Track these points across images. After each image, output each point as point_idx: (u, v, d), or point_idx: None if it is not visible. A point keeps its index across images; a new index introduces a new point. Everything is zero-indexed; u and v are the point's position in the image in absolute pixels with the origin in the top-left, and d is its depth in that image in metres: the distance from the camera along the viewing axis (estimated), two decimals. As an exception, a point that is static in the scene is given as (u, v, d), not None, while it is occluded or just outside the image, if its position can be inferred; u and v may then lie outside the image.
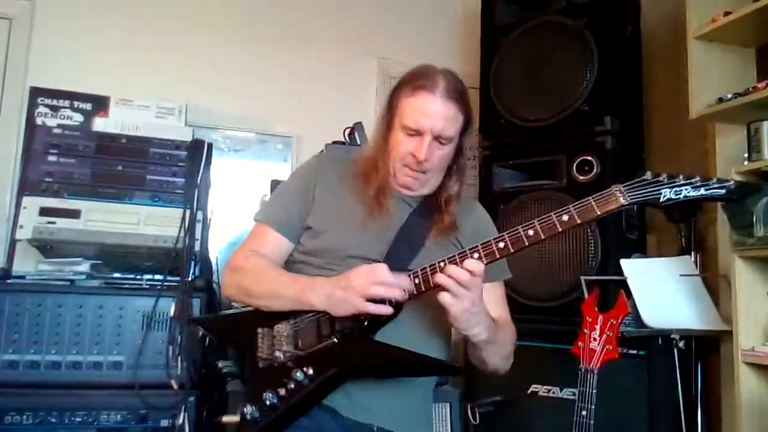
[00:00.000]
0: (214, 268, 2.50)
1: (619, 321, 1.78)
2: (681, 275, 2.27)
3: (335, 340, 1.35)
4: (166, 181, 2.31)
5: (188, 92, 2.81)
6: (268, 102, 3.09)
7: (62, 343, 2.04)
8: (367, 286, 1.30)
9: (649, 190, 1.23)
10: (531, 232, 1.29)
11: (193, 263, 2.23)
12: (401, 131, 1.47)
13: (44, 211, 2.15)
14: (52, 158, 2.23)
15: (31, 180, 2.21)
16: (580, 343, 1.81)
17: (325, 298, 1.36)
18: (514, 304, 2.44)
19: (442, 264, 1.32)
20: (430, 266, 1.34)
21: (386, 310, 1.32)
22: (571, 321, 2.16)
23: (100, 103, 2.54)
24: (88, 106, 2.57)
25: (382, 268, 1.32)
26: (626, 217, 2.50)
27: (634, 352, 2.18)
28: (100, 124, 2.40)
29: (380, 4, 3.34)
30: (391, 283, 1.31)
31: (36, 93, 2.55)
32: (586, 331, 1.81)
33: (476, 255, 1.30)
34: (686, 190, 1.22)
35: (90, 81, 2.68)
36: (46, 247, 2.18)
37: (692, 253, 2.49)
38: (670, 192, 1.22)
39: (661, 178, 1.23)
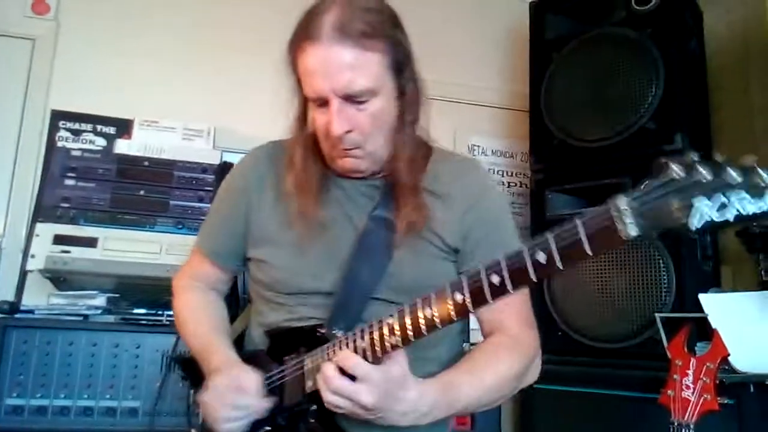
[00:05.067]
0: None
1: (717, 365, 1.52)
2: (771, 312, 1.98)
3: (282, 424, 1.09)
4: (191, 207, 2.15)
5: (217, 114, 2.63)
6: (300, 125, 2.91)
7: (72, 386, 1.84)
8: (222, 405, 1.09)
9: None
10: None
11: (218, 297, 2.02)
12: (311, 105, 1.13)
13: (58, 239, 1.99)
14: (69, 182, 2.09)
15: (46, 205, 2.05)
16: (669, 392, 1.54)
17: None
18: (577, 347, 2.21)
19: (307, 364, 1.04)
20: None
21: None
22: (647, 365, 1.91)
23: (123, 127, 2.38)
24: (111, 130, 2.40)
25: (245, 385, 1.07)
26: (701, 246, 2.22)
27: (722, 401, 1.88)
28: (122, 146, 2.24)
29: (422, 24, 3.15)
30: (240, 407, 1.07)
31: (57, 116, 2.38)
32: (676, 377, 1.54)
33: (459, 297, 0.86)
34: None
35: (114, 104, 2.51)
36: (60, 279, 2.01)
37: (775, 287, 2.20)
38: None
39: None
